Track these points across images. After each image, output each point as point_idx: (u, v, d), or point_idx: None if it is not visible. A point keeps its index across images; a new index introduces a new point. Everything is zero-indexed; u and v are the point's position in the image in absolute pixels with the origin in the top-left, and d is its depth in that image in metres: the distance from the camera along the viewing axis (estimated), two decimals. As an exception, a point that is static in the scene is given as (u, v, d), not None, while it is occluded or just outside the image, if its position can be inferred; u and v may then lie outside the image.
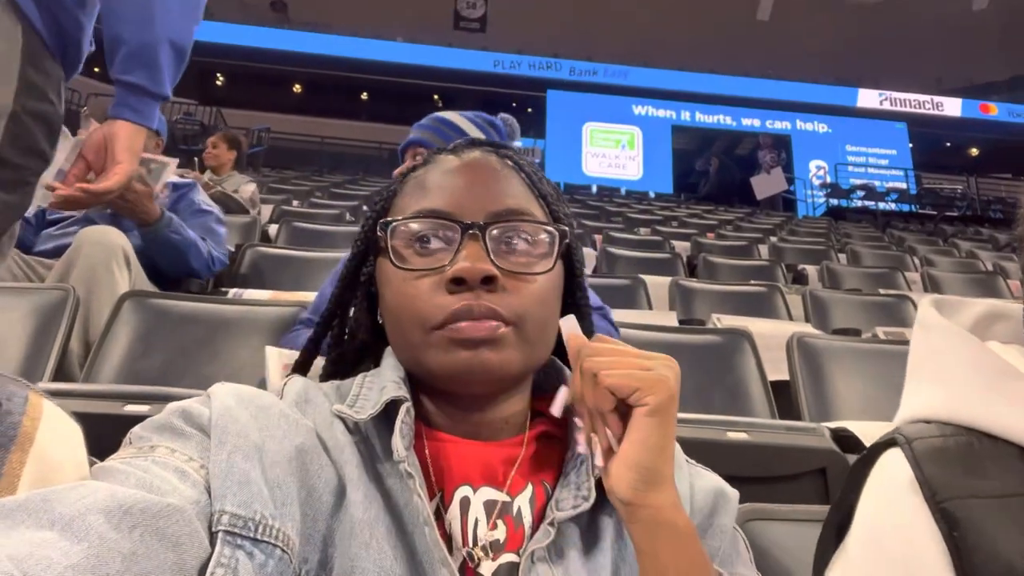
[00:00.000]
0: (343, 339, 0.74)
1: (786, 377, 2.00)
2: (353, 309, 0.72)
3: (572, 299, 0.72)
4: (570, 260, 0.70)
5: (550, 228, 0.65)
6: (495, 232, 0.62)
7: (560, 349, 0.73)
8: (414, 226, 0.63)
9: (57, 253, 2.01)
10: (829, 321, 2.96)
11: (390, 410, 0.60)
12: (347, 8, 16.82)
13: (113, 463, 0.49)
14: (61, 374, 1.61)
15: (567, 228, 0.67)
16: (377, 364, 0.69)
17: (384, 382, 0.63)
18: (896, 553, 0.55)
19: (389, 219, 0.64)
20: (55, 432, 0.53)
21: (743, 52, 16.93)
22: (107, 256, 1.88)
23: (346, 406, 0.61)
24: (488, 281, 0.59)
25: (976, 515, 0.52)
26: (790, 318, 2.96)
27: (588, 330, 0.72)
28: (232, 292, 2.29)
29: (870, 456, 0.62)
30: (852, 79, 16.99)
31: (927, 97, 17.54)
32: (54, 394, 0.57)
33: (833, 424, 1.40)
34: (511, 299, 0.60)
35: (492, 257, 0.60)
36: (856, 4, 16.75)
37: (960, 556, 0.51)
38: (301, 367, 0.74)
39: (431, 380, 0.63)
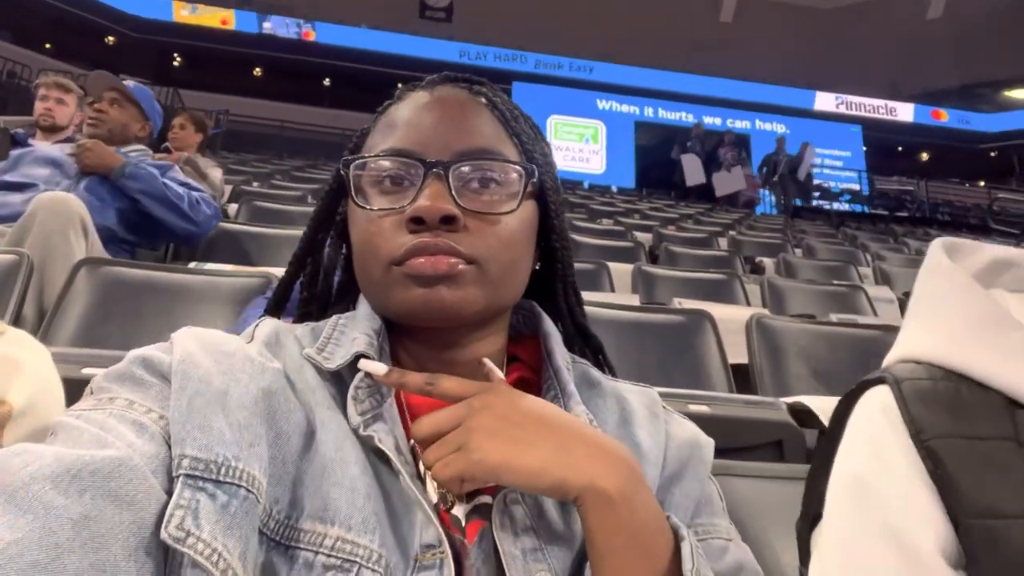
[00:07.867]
0: (316, 280, 0.72)
1: (743, 360, 2.04)
2: (328, 249, 0.71)
3: (548, 242, 0.70)
4: (545, 202, 0.68)
5: (519, 167, 0.62)
6: (461, 171, 0.60)
7: (538, 293, 0.73)
8: (378, 164, 0.62)
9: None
10: (785, 308, 3.03)
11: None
12: (310, -9, 16.54)
13: (70, 418, 0.47)
14: (14, 339, 1.57)
15: (539, 167, 0.64)
16: (354, 306, 0.67)
17: (356, 332, 0.61)
18: (884, 490, 0.56)
19: (351, 157, 0.63)
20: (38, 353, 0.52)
21: (706, 52, 17.15)
22: (64, 223, 1.84)
23: (315, 351, 0.60)
24: (448, 221, 0.57)
25: (960, 454, 0.53)
26: (748, 304, 3.03)
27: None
28: (192, 265, 2.25)
29: (857, 391, 0.63)
30: (810, 82, 17.35)
31: (881, 102, 18.04)
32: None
33: (789, 399, 1.45)
34: (473, 240, 0.59)
35: (455, 196, 0.59)
36: (814, 8, 17.13)
37: (945, 493, 0.52)
38: (274, 309, 0.72)
39: (395, 319, 0.62)
